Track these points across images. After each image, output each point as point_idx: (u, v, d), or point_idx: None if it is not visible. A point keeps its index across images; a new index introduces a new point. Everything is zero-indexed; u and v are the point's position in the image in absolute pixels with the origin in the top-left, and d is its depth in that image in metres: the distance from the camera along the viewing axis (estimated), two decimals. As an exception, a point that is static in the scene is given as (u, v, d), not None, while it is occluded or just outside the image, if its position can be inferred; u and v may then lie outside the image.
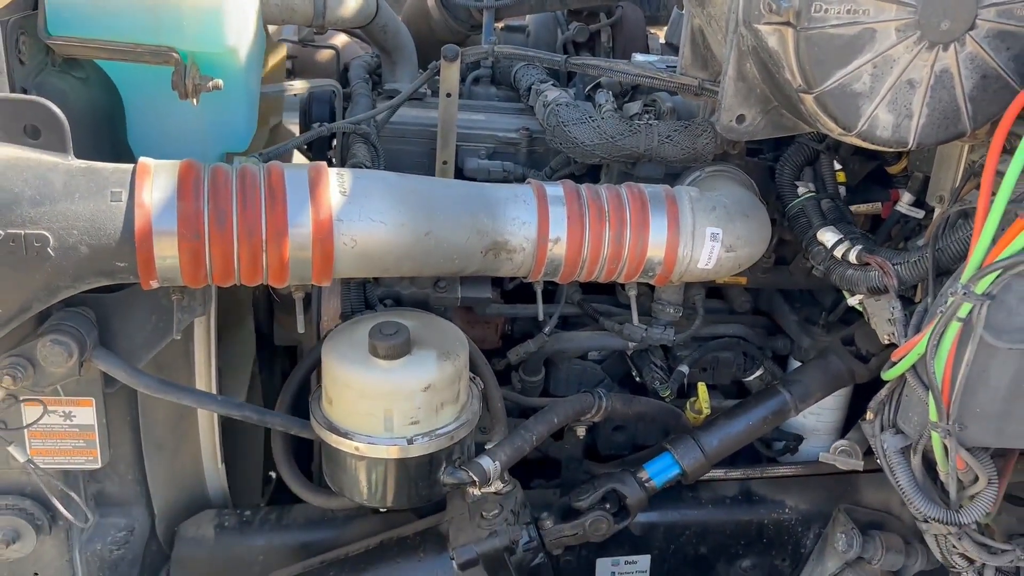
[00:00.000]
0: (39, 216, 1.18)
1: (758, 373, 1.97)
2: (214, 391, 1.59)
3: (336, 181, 1.30)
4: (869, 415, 1.52)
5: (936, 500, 1.46)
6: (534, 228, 1.51)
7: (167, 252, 1.22)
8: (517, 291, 1.90)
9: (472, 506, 1.56)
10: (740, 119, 1.43)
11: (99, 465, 1.46)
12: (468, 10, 2.31)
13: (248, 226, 1.23)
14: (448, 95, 1.80)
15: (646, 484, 1.65)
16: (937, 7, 1.22)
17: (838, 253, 1.62)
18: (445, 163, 1.85)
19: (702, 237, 1.56)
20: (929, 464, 1.48)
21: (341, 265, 1.31)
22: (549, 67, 1.84)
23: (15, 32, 1.22)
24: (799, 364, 1.96)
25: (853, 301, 1.65)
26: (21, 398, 1.36)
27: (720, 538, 1.86)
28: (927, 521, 1.51)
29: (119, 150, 1.42)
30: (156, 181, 1.22)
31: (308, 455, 1.88)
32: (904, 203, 1.71)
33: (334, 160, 1.91)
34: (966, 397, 1.33)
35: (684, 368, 1.87)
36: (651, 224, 1.55)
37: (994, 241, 1.25)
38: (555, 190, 1.55)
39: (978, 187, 1.50)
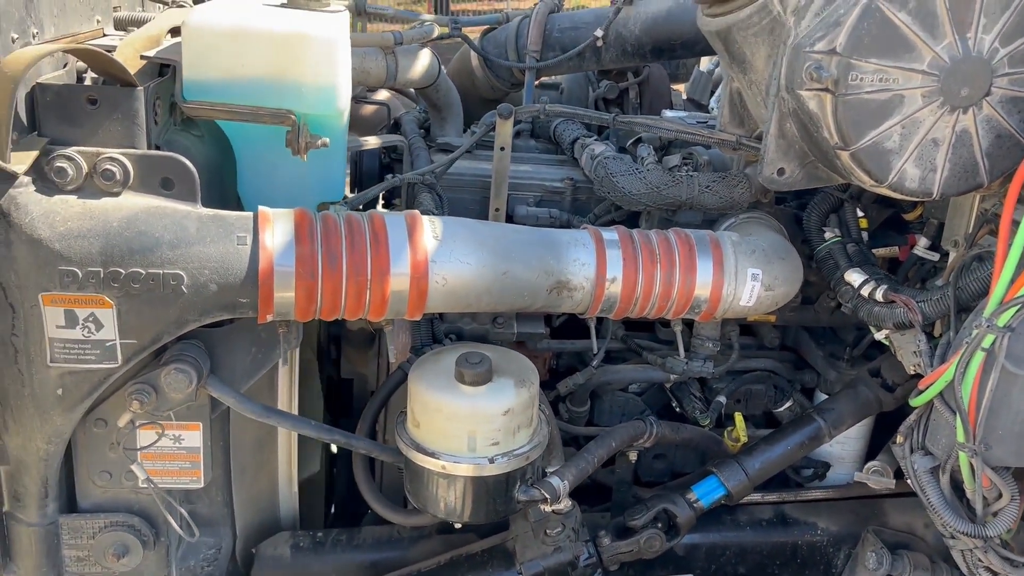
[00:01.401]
0: (176, 258, 1.34)
1: (787, 404, 2.13)
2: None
3: (429, 227, 1.46)
4: (899, 438, 1.67)
5: (963, 516, 1.60)
6: (593, 268, 1.67)
7: (285, 289, 1.37)
8: (562, 328, 2.06)
9: (536, 525, 1.70)
10: (780, 172, 1.60)
11: (201, 485, 1.60)
12: (510, 70, 2.50)
13: (356, 266, 1.39)
14: (502, 148, 1.98)
15: (695, 504, 1.80)
16: (958, 77, 1.40)
17: (865, 292, 1.79)
18: (497, 210, 2.01)
19: (744, 277, 1.73)
20: (955, 483, 1.63)
21: (432, 301, 1.47)
22: (596, 124, 2.01)
23: (152, 97, 1.40)
24: (825, 396, 2.12)
25: (880, 336, 1.81)
26: (138, 423, 1.51)
27: (757, 558, 1.99)
28: (955, 537, 1.65)
29: (227, 199, 1.59)
30: (276, 227, 1.38)
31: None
32: (921, 247, 1.88)
33: (400, 208, 2.08)
34: (990, 420, 1.48)
35: (722, 399, 2.02)
36: (698, 265, 1.71)
37: (1012, 280, 1.42)
38: (610, 235, 1.72)
39: (992, 232, 1.68)
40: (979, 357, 1.45)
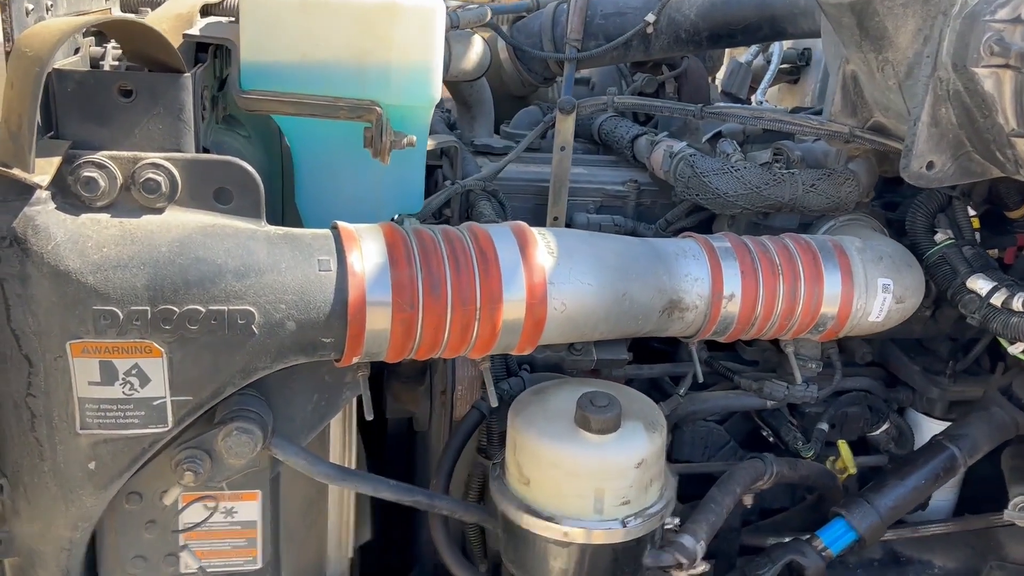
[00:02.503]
0: (244, 290, 1.04)
1: (884, 427, 1.91)
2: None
3: (542, 242, 1.20)
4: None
5: None
6: (708, 284, 1.42)
7: (380, 324, 1.09)
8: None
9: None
10: (930, 165, 1.38)
11: (259, 566, 1.30)
12: (544, 62, 2.24)
13: (462, 293, 1.12)
14: (563, 148, 1.73)
15: (823, 553, 1.56)
16: None
17: (996, 301, 1.58)
18: (556, 219, 1.77)
19: (875, 289, 1.50)
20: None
21: (548, 332, 1.20)
22: (682, 116, 1.77)
23: (200, 86, 1.10)
24: (922, 415, 1.91)
25: (1015, 350, 1.60)
26: (183, 496, 1.20)
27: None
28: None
29: (276, 215, 1.30)
30: (365, 247, 1.10)
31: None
32: (1031, 250, 1.68)
33: (452, 221, 1.81)
34: None
35: (824, 426, 1.79)
36: (825, 277, 1.48)
37: None
38: (721, 243, 1.48)
39: None
40: None
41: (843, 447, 1.78)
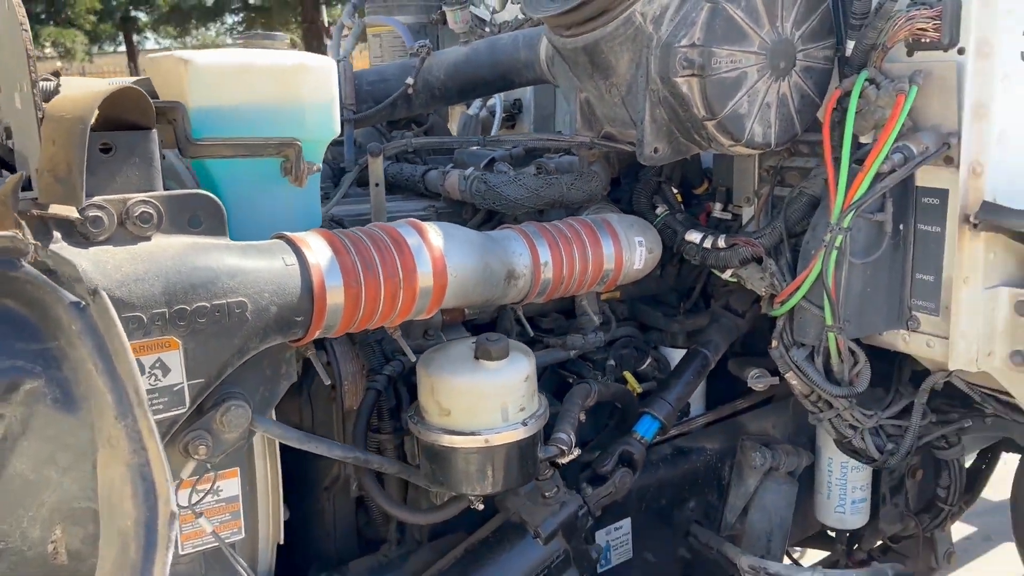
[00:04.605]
0: (237, 286, 1.34)
1: (648, 361, 2.52)
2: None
3: (431, 229, 1.61)
4: (774, 343, 2.12)
5: (836, 383, 2.09)
6: (529, 256, 1.91)
7: (336, 300, 1.44)
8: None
9: (532, 494, 1.87)
10: (656, 150, 2.00)
11: (242, 536, 1.54)
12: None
13: (388, 271, 1.50)
14: (377, 184, 2.15)
15: (641, 441, 2.09)
16: (776, 54, 1.90)
17: (708, 244, 2.24)
18: (378, 244, 2.17)
19: (634, 245, 2.09)
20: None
21: (447, 296, 1.62)
22: (467, 147, 2.26)
23: (159, 138, 1.38)
24: (671, 348, 2.55)
25: (727, 275, 2.27)
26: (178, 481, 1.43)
27: (672, 490, 2.33)
28: (824, 410, 2.14)
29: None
30: (313, 245, 1.44)
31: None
32: (717, 211, 2.39)
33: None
34: (842, 304, 1.99)
35: (612, 362, 2.35)
36: (602, 242, 2.04)
37: (845, 191, 1.93)
38: (530, 228, 1.98)
39: (780, 184, 2.23)
40: (834, 255, 1.95)
41: (628, 376, 2.35)
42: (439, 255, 1.58)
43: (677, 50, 1.84)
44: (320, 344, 1.72)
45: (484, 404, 1.64)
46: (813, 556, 3.03)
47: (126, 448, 1.01)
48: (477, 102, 3.31)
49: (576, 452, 1.83)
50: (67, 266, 1.19)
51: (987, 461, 3.08)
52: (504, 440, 1.65)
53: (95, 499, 1.15)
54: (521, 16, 2.99)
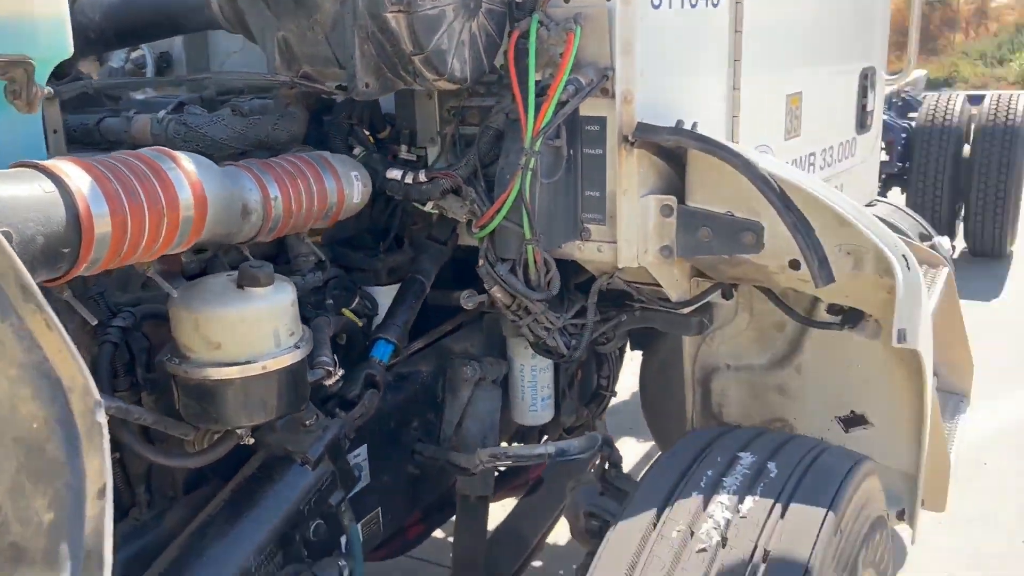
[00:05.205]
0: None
1: (357, 300, 2.62)
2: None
3: (183, 158, 1.56)
4: (481, 262, 2.36)
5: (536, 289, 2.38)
6: (258, 191, 1.91)
7: (103, 229, 1.35)
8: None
9: (289, 426, 1.90)
10: (367, 85, 2.10)
11: None
12: None
13: (151, 199, 1.44)
14: (55, 132, 1.98)
15: (380, 364, 2.20)
16: (468, -5, 2.11)
17: (409, 180, 2.40)
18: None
19: (352, 179, 2.18)
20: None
21: (207, 226, 1.58)
22: (170, 85, 2.14)
23: None
24: (378, 286, 2.68)
25: (429, 207, 2.45)
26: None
27: (399, 414, 2.48)
28: (528, 314, 2.44)
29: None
30: (68, 172, 1.33)
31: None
32: (403, 153, 2.57)
33: None
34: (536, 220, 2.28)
35: (330, 301, 2.41)
36: (324, 177, 2.10)
37: (534, 119, 2.21)
38: (252, 163, 1.97)
39: (462, 123, 2.46)
40: (528, 176, 2.23)
41: (347, 312, 2.44)
42: (196, 182, 1.54)
43: (364, -13, 1.95)
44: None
45: (257, 331, 1.63)
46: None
47: (15, 348, 0.88)
48: (120, 54, 3.08)
49: (340, 372, 1.88)
50: None
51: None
52: (280, 364, 1.66)
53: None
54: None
